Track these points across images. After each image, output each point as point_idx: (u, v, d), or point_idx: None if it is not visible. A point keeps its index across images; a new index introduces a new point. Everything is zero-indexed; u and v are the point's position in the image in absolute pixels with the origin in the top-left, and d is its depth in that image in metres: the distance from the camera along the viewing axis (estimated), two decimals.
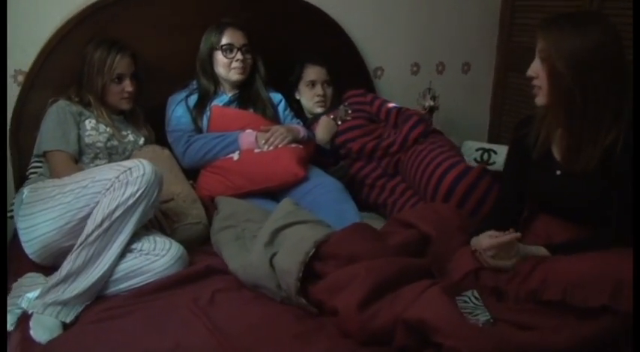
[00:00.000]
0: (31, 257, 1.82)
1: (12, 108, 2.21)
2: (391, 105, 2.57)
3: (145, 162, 1.71)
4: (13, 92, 2.21)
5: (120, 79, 2.12)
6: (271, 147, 2.14)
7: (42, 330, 1.56)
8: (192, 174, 2.23)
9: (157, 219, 1.94)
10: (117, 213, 1.65)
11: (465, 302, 1.48)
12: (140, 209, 1.68)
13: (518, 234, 1.53)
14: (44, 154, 2.04)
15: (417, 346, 1.33)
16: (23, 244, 1.82)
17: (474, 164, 2.68)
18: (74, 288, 1.63)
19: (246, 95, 2.37)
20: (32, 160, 2.12)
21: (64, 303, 1.62)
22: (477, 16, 3.11)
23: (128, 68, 2.14)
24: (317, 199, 2.00)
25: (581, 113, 1.55)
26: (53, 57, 2.22)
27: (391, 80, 3.01)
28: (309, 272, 1.58)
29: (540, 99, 1.63)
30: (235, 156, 2.14)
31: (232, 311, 1.58)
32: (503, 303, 1.47)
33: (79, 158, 2.06)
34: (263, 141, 2.16)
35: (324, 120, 2.50)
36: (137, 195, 1.66)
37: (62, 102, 2.07)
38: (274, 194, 2.11)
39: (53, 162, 2.01)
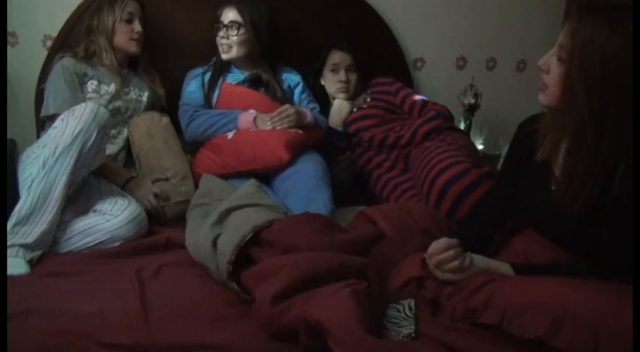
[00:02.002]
0: None
1: (38, 72, 2.31)
2: (417, 97, 2.42)
3: (89, 104, 1.78)
4: (41, 56, 2.32)
5: (130, 19, 2.16)
6: (270, 127, 2.10)
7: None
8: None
9: (151, 204, 1.96)
10: (57, 153, 1.70)
11: (398, 311, 1.35)
12: (78, 149, 1.72)
13: (456, 261, 1.37)
14: (53, 116, 2.12)
15: (320, 348, 1.22)
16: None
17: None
18: (27, 232, 1.69)
19: (260, 75, 2.33)
20: (45, 124, 2.20)
21: (22, 246, 1.68)
22: (537, 8, 2.82)
23: (137, 10, 2.18)
24: (293, 185, 1.92)
25: (589, 149, 1.29)
26: (80, 23, 2.28)
27: (432, 73, 2.82)
28: (248, 258, 1.52)
29: (544, 99, 1.37)
30: (230, 134, 2.11)
31: (170, 286, 1.56)
32: (438, 318, 1.32)
33: None
34: (268, 119, 2.11)
35: (336, 102, 2.44)
36: (74, 133, 1.71)
37: (67, 62, 2.10)
38: (263, 177, 2.06)
39: None
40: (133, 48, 2.20)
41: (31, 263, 1.69)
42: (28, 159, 1.87)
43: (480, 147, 2.87)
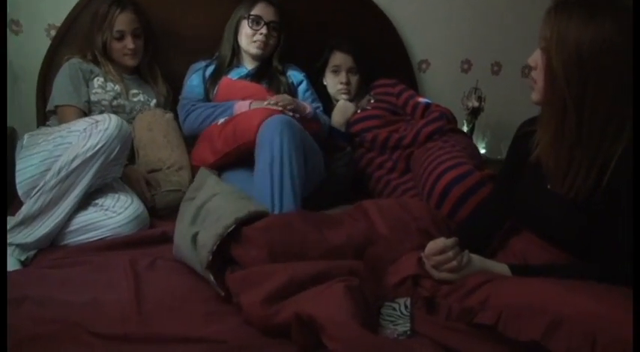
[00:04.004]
0: (21, 198, 1.89)
1: (41, 61, 2.31)
2: (420, 99, 2.40)
3: (113, 117, 1.73)
4: (44, 45, 2.31)
5: (121, 35, 2.14)
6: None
7: None
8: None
9: (142, 190, 1.95)
10: (75, 164, 1.67)
11: (394, 309, 1.33)
12: (99, 162, 1.69)
13: (454, 261, 1.37)
14: (55, 108, 2.12)
15: (314, 345, 1.20)
16: (16, 185, 1.90)
17: None
18: (28, 233, 1.68)
19: (264, 70, 2.33)
20: (48, 117, 2.21)
21: (19, 246, 1.67)
22: (543, 14, 2.81)
23: (129, 25, 2.15)
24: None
25: (572, 132, 1.32)
26: (85, 14, 2.29)
27: (437, 76, 2.81)
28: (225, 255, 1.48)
29: (534, 95, 1.41)
30: (221, 120, 2.08)
31: (164, 278, 1.53)
32: (434, 317, 1.30)
33: (88, 115, 2.13)
34: (265, 103, 2.07)
35: (340, 102, 2.42)
36: (96, 148, 1.67)
37: (74, 60, 2.14)
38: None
39: (63, 116, 2.08)
40: (128, 62, 2.20)
41: (25, 262, 1.68)
42: (32, 148, 1.84)
43: (483, 151, 2.86)
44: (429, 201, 1.91)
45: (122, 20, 2.14)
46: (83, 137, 1.70)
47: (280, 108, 2.00)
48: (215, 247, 1.40)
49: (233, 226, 1.43)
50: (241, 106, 2.12)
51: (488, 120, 2.81)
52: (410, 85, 2.60)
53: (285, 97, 2.10)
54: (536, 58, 1.39)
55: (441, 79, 2.82)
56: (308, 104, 2.24)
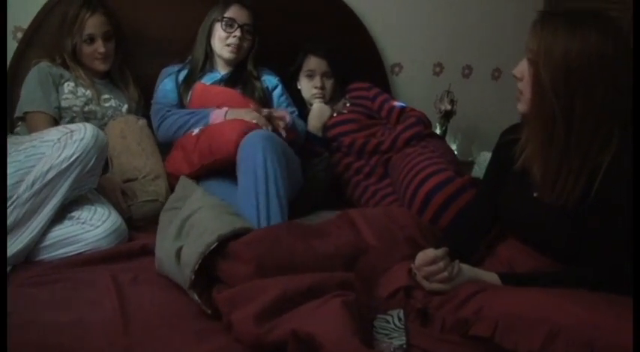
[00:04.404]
0: None
1: (8, 65, 2.21)
2: (396, 103, 2.42)
3: (89, 126, 1.67)
4: (10, 48, 2.22)
5: (91, 39, 2.08)
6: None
7: None
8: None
9: (118, 201, 1.89)
10: (49, 176, 1.61)
11: (387, 322, 1.33)
12: (74, 174, 1.63)
13: (445, 272, 1.38)
14: (24, 115, 2.04)
15: None
16: None
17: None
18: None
19: (237, 75, 2.29)
20: (16, 124, 2.12)
21: None
22: (513, 18, 2.86)
23: (100, 28, 2.09)
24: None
25: (560, 142, 1.35)
26: (53, 16, 2.21)
27: (409, 79, 2.84)
28: (209, 271, 1.45)
29: (521, 106, 1.43)
30: (196, 130, 2.03)
31: (148, 294, 1.48)
32: (428, 329, 1.31)
33: (59, 121, 2.06)
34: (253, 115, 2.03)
35: (316, 106, 2.40)
36: (71, 159, 1.61)
37: (43, 64, 2.06)
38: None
39: (33, 123, 2.01)
40: (99, 66, 2.14)
41: None
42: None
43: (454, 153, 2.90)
44: (410, 207, 1.93)
45: (93, 23, 2.07)
46: (57, 147, 1.63)
47: (255, 122, 1.97)
48: (197, 266, 1.37)
49: (215, 244, 1.39)
50: (217, 116, 2.07)
51: (460, 122, 2.85)
52: (383, 88, 2.60)
53: (270, 112, 2.07)
54: (522, 69, 1.40)
55: (413, 82, 2.85)
56: (286, 112, 2.21)
